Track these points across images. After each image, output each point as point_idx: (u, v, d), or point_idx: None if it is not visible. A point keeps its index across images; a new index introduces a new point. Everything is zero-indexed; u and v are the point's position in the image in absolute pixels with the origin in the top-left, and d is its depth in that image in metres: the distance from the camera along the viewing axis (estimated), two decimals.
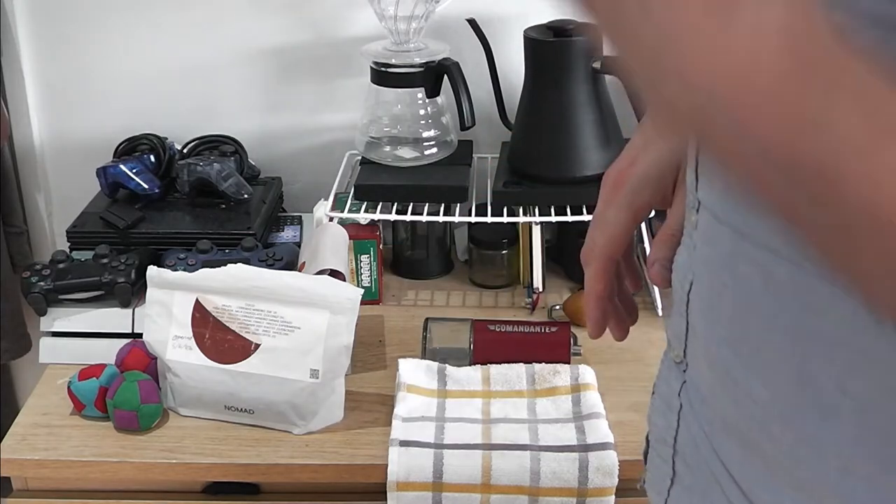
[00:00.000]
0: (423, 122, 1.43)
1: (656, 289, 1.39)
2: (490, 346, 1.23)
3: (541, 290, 1.37)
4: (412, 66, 1.37)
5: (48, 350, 1.27)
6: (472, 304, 1.41)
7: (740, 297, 0.55)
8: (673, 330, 0.68)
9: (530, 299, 1.38)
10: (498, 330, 1.24)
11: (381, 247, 1.41)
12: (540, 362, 1.21)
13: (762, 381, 0.55)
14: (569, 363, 1.21)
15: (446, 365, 1.22)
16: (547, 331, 1.24)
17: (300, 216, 1.52)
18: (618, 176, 0.73)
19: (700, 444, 0.63)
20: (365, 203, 1.39)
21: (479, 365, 1.23)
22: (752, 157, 0.38)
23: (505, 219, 1.36)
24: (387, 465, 1.06)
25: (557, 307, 1.35)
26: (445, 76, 1.37)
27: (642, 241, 1.42)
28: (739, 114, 0.37)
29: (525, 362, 1.21)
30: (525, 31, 1.38)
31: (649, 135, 0.74)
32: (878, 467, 0.50)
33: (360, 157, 1.46)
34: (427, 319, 1.27)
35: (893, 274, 0.36)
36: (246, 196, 1.41)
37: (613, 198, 0.73)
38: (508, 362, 1.21)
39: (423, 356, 1.23)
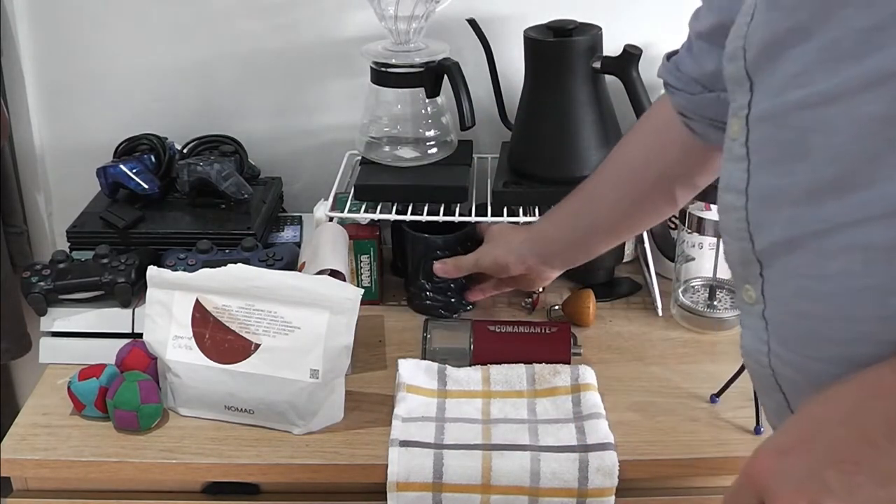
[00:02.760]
0: (423, 122, 1.43)
1: (657, 290, 1.39)
2: (490, 347, 1.23)
3: (540, 290, 1.37)
4: (412, 66, 1.37)
5: (48, 350, 1.27)
6: (477, 308, 1.41)
7: (837, 297, 0.59)
8: (773, 412, 0.71)
9: (530, 299, 1.38)
10: (498, 330, 1.24)
11: (381, 247, 1.41)
12: (540, 363, 1.21)
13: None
14: (569, 363, 1.21)
15: (446, 365, 1.22)
16: (547, 331, 1.24)
17: (300, 216, 1.52)
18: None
19: None
20: (365, 203, 1.39)
21: (479, 365, 1.23)
22: None
23: (505, 219, 1.36)
24: (387, 466, 1.06)
25: (556, 307, 1.35)
26: (445, 76, 1.37)
27: (642, 242, 1.42)
28: None
29: (525, 362, 1.21)
30: (525, 31, 1.38)
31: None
32: None
33: (360, 157, 1.46)
34: (427, 320, 1.27)
35: None
36: (246, 196, 1.42)
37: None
38: (509, 363, 1.21)
39: (424, 357, 1.23)
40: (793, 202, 0.61)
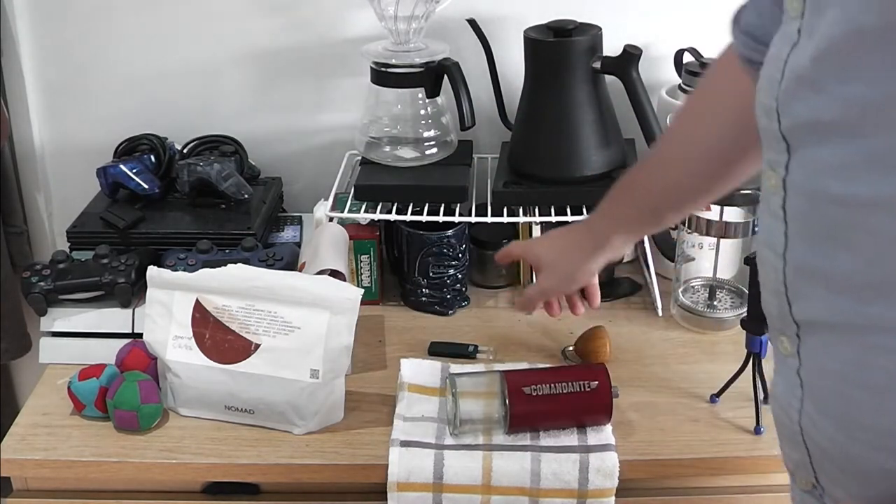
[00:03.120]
0: (423, 122, 1.43)
1: (657, 290, 1.39)
2: (528, 416, 1.10)
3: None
4: (412, 66, 1.37)
5: (48, 350, 1.27)
6: (473, 304, 1.41)
7: (878, 390, 0.58)
8: (793, 461, 0.70)
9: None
10: (535, 394, 1.09)
11: (381, 247, 1.41)
12: (584, 425, 1.11)
13: None
14: (610, 419, 1.12)
15: (449, 364, 1.22)
16: (587, 388, 1.10)
17: (300, 216, 1.52)
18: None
19: None
20: (365, 203, 1.39)
21: (489, 368, 1.22)
22: None
23: (505, 219, 1.36)
24: (387, 466, 1.06)
25: (570, 348, 1.28)
26: (445, 76, 1.37)
27: (643, 242, 1.42)
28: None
29: (566, 427, 1.11)
30: (525, 31, 1.38)
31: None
32: None
33: (360, 157, 1.46)
34: (449, 377, 1.14)
35: None
36: (246, 196, 1.42)
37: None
38: (552, 429, 1.11)
39: (453, 431, 1.10)
40: (832, 289, 0.60)
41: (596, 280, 1.18)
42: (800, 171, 0.62)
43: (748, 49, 0.86)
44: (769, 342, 0.71)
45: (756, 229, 1.30)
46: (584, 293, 1.19)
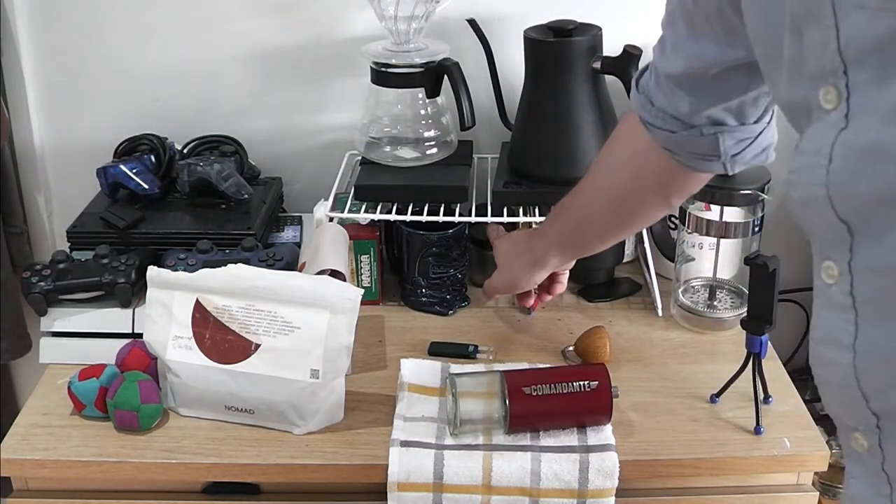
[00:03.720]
0: (423, 122, 1.43)
1: (657, 290, 1.39)
2: (528, 416, 1.10)
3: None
4: (412, 66, 1.37)
5: (48, 350, 1.27)
6: (473, 304, 1.41)
7: None
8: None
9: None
10: (534, 394, 1.09)
11: (381, 247, 1.41)
12: (584, 425, 1.11)
13: None
14: (610, 418, 1.12)
15: (449, 364, 1.22)
16: (586, 388, 1.10)
17: (300, 216, 1.52)
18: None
19: None
20: (365, 203, 1.39)
21: (488, 367, 1.23)
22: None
23: (505, 219, 1.36)
24: (387, 466, 1.06)
25: (570, 348, 1.28)
26: (445, 76, 1.37)
27: (642, 242, 1.42)
28: None
29: (566, 427, 1.11)
30: (525, 31, 1.38)
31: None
32: None
33: (360, 157, 1.46)
34: (448, 378, 1.14)
35: None
36: (246, 196, 1.42)
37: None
38: (552, 429, 1.11)
39: (453, 431, 1.10)
40: None
41: (564, 272, 1.29)
42: (872, 249, 0.58)
43: (640, 107, 0.99)
44: (841, 440, 0.66)
45: (756, 229, 1.30)
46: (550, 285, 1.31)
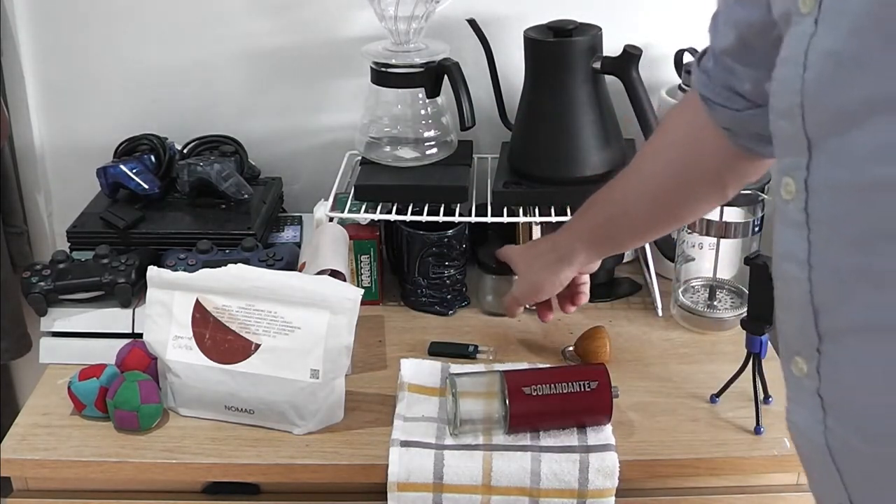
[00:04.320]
0: (423, 122, 1.43)
1: (657, 290, 1.39)
2: (528, 416, 1.10)
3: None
4: (412, 66, 1.37)
5: (48, 350, 1.27)
6: (473, 304, 1.41)
7: None
8: (821, 487, 0.68)
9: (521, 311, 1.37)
10: (534, 394, 1.10)
11: (381, 247, 1.41)
12: (584, 425, 1.11)
13: None
14: (610, 419, 1.12)
15: (449, 364, 1.22)
16: (586, 388, 1.10)
17: (300, 216, 1.52)
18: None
19: None
20: (365, 203, 1.39)
21: (489, 367, 1.23)
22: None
23: (505, 219, 1.36)
24: (387, 466, 1.06)
25: (570, 348, 1.28)
26: (445, 76, 1.37)
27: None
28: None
29: (566, 427, 1.11)
30: (525, 31, 1.38)
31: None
32: None
33: (360, 157, 1.46)
34: (449, 378, 1.14)
35: None
36: (246, 196, 1.42)
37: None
38: (552, 429, 1.11)
39: (453, 431, 1.10)
40: (880, 285, 0.57)
41: (585, 280, 1.22)
42: (827, 167, 0.59)
43: (702, 85, 0.94)
44: (782, 368, 0.68)
45: (756, 229, 1.30)
46: (573, 294, 1.23)
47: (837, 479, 0.64)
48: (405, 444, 1.08)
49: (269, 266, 1.26)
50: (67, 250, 1.34)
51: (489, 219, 1.35)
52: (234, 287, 1.14)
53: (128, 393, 1.11)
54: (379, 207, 1.38)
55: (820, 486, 0.68)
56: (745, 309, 1.16)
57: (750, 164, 0.98)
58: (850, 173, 0.57)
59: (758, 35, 0.82)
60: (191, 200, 1.43)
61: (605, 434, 1.10)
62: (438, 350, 1.28)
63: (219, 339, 1.14)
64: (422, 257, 1.35)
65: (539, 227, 1.35)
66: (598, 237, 1.13)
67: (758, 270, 1.10)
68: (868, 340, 0.58)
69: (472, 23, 1.41)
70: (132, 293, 1.26)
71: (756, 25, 0.82)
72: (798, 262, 0.62)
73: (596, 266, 1.21)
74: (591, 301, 1.40)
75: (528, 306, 1.37)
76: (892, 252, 0.56)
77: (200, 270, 1.18)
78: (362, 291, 1.13)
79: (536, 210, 1.36)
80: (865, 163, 0.56)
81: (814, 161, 0.60)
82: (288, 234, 1.46)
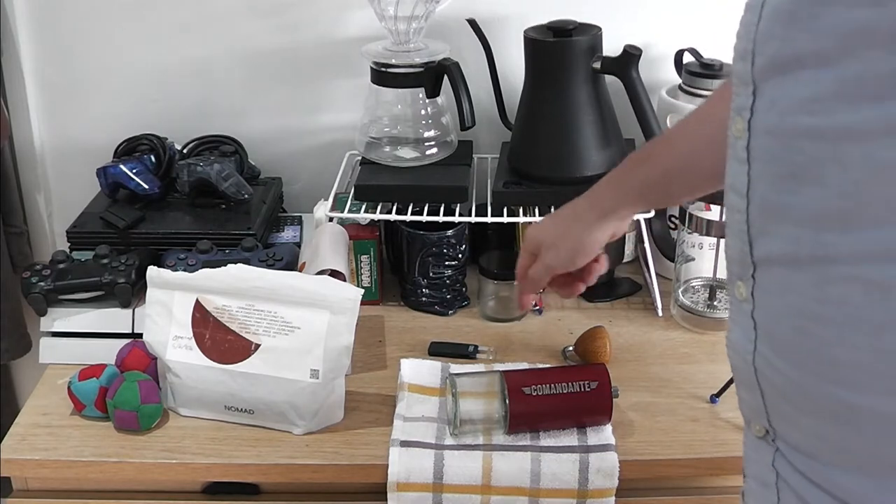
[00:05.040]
0: (423, 122, 1.43)
1: (657, 290, 1.39)
2: (528, 416, 1.10)
3: (543, 290, 1.37)
4: (412, 66, 1.37)
5: (48, 350, 1.27)
6: (473, 304, 1.41)
7: (835, 321, 0.60)
8: (748, 406, 0.72)
9: (533, 301, 1.37)
10: (534, 394, 1.09)
11: (381, 247, 1.41)
12: (584, 425, 1.11)
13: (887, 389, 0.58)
14: (610, 419, 1.12)
15: (449, 364, 1.22)
16: (586, 388, 1.10)
17: (300, 216, 1.52)
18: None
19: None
20: (365, 203, 1.39)
21: (489, 368, 1.22)
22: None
23: (505, 219, 1.36)
24: (387, 466, 1.06)
25: (570, 348, 1.27)
26: (445, 76, 1.37)
27: (643, 241, 1.42)
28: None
29: (566, 427, 1.11)
30: (525, 31, 1.38)
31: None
32: None
33: (360, 157, 1.46)
34: (449, 377, 1.13)
35: None
36: (246, 196, 1.42)
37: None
38: (549, 429, 1.11)
39: (453, 431, 1.10)
40: (796, 222, 0.62)
41: (602, 255, 1.11)
42: (765, 112, 0.64)
43: None
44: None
45: None
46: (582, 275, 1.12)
47: (760, 399, 0.69)
48: (405, 444, 1.08)
49: (269, 266, 1.26)
50: (67, 250, 1.34)
51: (489, 219, 1.35)
52: (234, 287, 1.14)
53: (128, 393, 1.11)
54: (379, 207, 1.38)
55: (746, 405, 0.73)
56: None
57: None
58: (778, 119, 0.62)
59: None
60: (191, 200, 1.43)
61: (605, 434, 1.10)
62: (438, 350, 1.28)
63: (219, 339, 1.14)
64: (422, 257, 1.35)
65: None
66: (652, 192, 1.05)
67: None
68: (787, 270, 0.63)
69: (472, 23, 1.41)
70: (132, 293, 1.26)
71: None
72: (739, 194, 0.67)
73: (626, 227, 1.12)
74: (590, 301, 1.41)
75: (531, 307, 1.37)
76: (805, 192, 0.61)
77: (200, 270, 1.18)
78: (362, 291, 1.13)
79: (536, 210, 1.36)
80: (790, 111, 0.61)
81: (756, 104, 0.65)
82: (288, 234, 1.46)
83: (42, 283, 1.25)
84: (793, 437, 0.67)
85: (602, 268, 1.11)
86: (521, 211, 1.37)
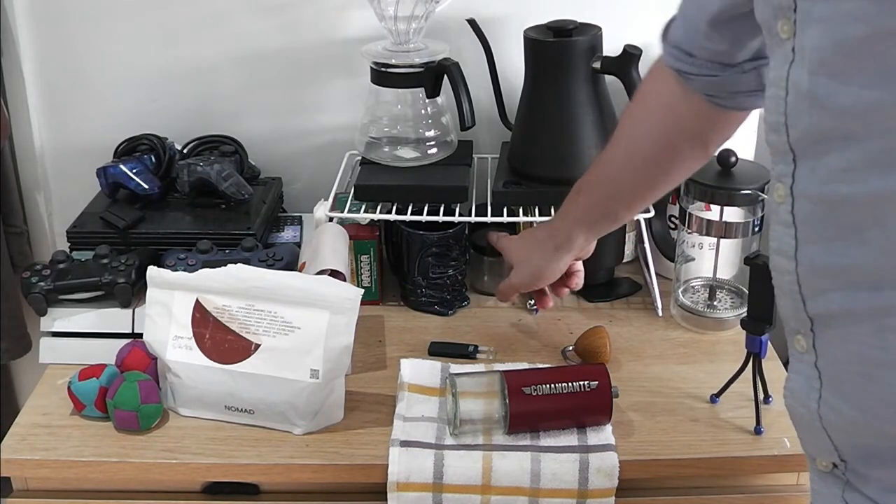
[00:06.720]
0: (423, 122, 1.43)
1: (657, 290, 1.39)
2: (528, 416, 1.10)
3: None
4: (412, 66, 1.37)
5: (48, 350, 1.27)
6: (473, 304, 1.41)
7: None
8: (812, 447, 0.75)
9: (533, 301, 1.37)
10: (534, 394, 1.09)
11: (381, 247, 1.41)
12: (584, 425, 1.12)
13: None
14: (610, 419, 1.12)
15: (449, 364, 1.22)
16: (586, 388, 1.10)
17: (300, 216, 1.52)
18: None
19: None
20: (365, 203, 1.39)
21: (489, 368, 1.23)
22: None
23: (505, 219, 1.36)
24: (387, 466, 1.06)
25: (570, 348, 1.28)
26: (445, 76, 1.37)
27: (643, 241, 1.42)
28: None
29: (566, 427, 1.12)
30: (525, 31, 1.38)
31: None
32: None
33: (360, 158, 1.46)
34: (449, 377, 1.14)
35: None
36: (246, 196, 1.42)
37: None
38: (549, 429, 1.11)
39: (453, 431, 1.10)
40: (847, 282, 0.65)
41: (579, 266, 1.23)
42: (806, 179, 0.66)
43: (676, 60, 0.99)
44: (787, 343, 0.75)
45: (756, 229, 1.30)
46: (568, 276, 1.24)
47: (827, 440, 0.71)
48: (405, 444, 1.08)
49: (269, 266, 1.26)
50: (67, 250, 1.34)
51: (489, 219, 1.35)
52: (234, 287, 1.14)
53: (128, 393, 1.11)
54: (379, 207, 1.38)
55: (811, 445, 0.75)
56: (745, 309, 1.16)
57: (729, 120, 1.03)
58: (819, 186, 0.65)
59: (743, 4, 0.86)
60: (191, 200, 1.43)
61: (605, 434, 1.10)
62: (438, 350, 1.28)
63: (219, 339, 1.14)
64: (422, 257, 1.35)
65: None
66: (594, 217, 1.16)
67: (758, 270, 1.10)
68: (845, 323, 0.66)
69: (472, 23, 1.41)
70: (132, 293, 1.26)
71: (739, 5, 0.86)
72: (787, 256, 0.69)
73: (591, 249, 1.22)
74: (590, 301, 1.41)
75: (528, 306, 1.38)
76: (853, 254, 0.64)
77: (200, 270, 1.18)
78: (362, 291, 1.13)
79: (536, 210, 1.36)
80: (828, 180, 0.64)
81: (797, 171, 0.67)
82: (288, 234, 1.46)
83: (42, 283, 1.25)
84: (867, 471, 0.69)
85: (577, 284, 1.23)
86: (521, 211, 1.37)
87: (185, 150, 1.49)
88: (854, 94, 0.60)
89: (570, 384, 1.10)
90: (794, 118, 0.66)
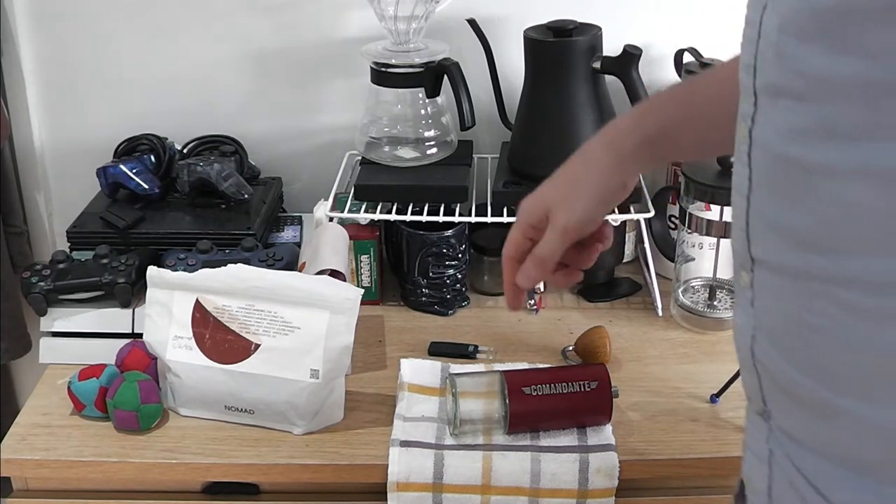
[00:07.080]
0: (423, 122, 1.43)
1: (657, 290, 1.39)
2: (528, 416, 1.10)
3: (542, 290, 1.37)
4: (412, 66, 1.37)
5: (48, 350, 1.27)
6: (473, 304, 1.41)
7: (820, 331, 0.62)
8: (748, 386, 0.75)
9: (533, 301, 1.38)
10: (534, 394, 1.09)
11: (381, 247, 1.41)
12: (584, 425, 1.12)
13: (868, 401, 0.61)
14: (610, 419, 1.12)
15: (449, 364, 1.22)
16: (586, 388, 1.10)
17: (300, 216, 1.52)
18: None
19: (797, 485, 0.67)
20: (365, 203, 1.39)
21: (488, 368, 1.22)
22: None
23: (505, 219, 1.36)
24: (387, 466, 1.06)
25: (570, 348, 1.28)
26: (445, 76, 1.37)
27: (643, 241, 1.42)
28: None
29: (566, 427, 1.12)
30: (525, 31, 1.38)
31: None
32: None
33: (360, 157, 1.46)
34: (449, 377, 1.13)
35: None
36: (246, 196, 1.42)
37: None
38: (549, 429, 1.11)
39: (453, 431, 1.10)
40: (784, 237, 0.64)
41: (607, 225, 0.98)
42: (762, 127, 0.66)
43: None
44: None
45: None
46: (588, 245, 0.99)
47: (757, 382, 0.71)
48: (405, 444, 1.08)
49: (269, 266, 1.26)
50: (67, 250, 1.34)
51: (489, 219, 1.35)
52: (234, 287, 1.14)
53: (128, 393, 1.11)
54: (379, 207, 1.38)
55: (746, 384, 0.75)
56: None
57: None
58: (772, 137, 0.65)
59: None
60: (191, 200, 1.43)
61: (605, 434, 1.10)
62: (438, 350, 1.28)
63: (219, 339, 1.14)
64: (422, 257, 1.35)
65: None
66: (664, 138, 0.93)
67: None
68: (778, 276, 0.66)
69: (472, 23, 1.41)
70: (132, 293, 1.26)
71: None
72: (741, 194, 0.69)
73: (634, 183, 0.99)
74: (590, 301, 1.41)
75: (528, 306, 1.37)
76: (792, 214, 0.63)
77: (200, 270, 1.18)
78: (362, 291, 1.13)
79: None
80: (780, 135, 0.63)
81: (757, 116, 0.66)
82: (288, 234, 1.46)
83: (42, 283, 1.25)
84: (783, 421, 0.69)
85: (607, 241, 0.97)
86: None
87: (185, 150, 1.49)
88: (814, 60, 0.59)
89: (570, 384, 1.10)
90: (762, 63, 0.65)
